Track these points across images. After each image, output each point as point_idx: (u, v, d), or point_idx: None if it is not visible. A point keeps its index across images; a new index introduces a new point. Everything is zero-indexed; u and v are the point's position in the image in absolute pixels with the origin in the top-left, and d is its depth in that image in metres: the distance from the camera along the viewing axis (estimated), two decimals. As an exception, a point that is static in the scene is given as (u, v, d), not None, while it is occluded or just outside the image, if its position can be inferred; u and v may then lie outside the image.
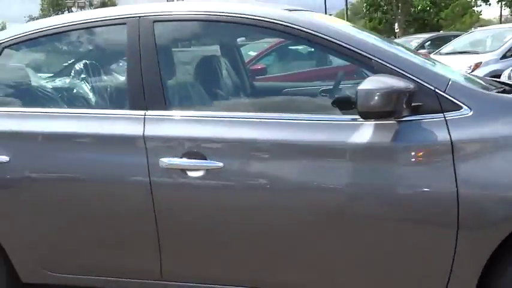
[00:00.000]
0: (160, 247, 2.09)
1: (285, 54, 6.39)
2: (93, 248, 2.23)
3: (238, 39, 3.34)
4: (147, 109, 2.10)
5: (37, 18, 32.24)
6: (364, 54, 1.89)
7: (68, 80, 2.54)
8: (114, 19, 2.27)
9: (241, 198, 1.97)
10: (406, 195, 1.79)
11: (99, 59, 2.55)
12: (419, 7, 33.30)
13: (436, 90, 1.81)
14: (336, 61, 2.40)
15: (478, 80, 2.30)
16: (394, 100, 1.69)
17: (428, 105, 1.80)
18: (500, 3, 33.90)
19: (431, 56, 8.65)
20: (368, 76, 1.88)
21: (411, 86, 1.75)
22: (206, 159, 1.97)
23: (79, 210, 2.17)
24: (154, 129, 2.06)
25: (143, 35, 2.14)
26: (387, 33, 30.78)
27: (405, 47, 2.47)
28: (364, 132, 1.83)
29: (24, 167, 2.20)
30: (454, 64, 6.00)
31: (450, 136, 1.74)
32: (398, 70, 1.84)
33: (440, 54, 10.17)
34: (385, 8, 32.87)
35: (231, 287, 2.09)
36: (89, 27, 2.36)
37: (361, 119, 1.81)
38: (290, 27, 2.00)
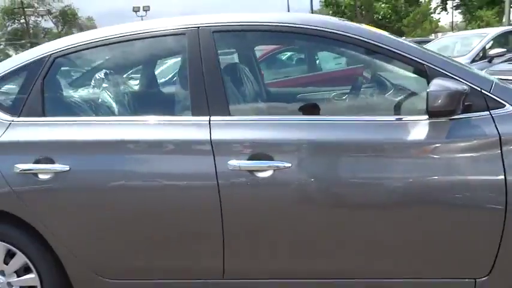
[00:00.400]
0: (224, 246, 2.19)
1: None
2: (152, 251, 2.27)
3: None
4: (210, 115, 2.21)
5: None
6: (421, 61, 2.14)
7: (127, 89, 2.60)
8: (174, 29, 2.35)
9: (309, 196, 2.12)
10: (463, 182, 2.04)
11: (157, 68, 2.66)
12: (381, 13, 34.47)
13: (483, 90, 2.09)
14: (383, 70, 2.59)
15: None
16: (457, 100, 1.96)
17: (476, 104, 2.07)
18: (452, 10, 35.60)
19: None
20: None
21: (466, 87, 2.01)
22: (273, 160, 2.11)
23: (142, 215, 2.22)
24: (220, 134, 2.16)
25: (204, 44, 2.26)
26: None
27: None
28: (418, 130, 2.06)
29: (86, 176, 2.22)
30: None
31: (498, 130, 2.02)
32: (450, 75, 2.10)
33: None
34: (349, 14, 33.84)
35: (291, 280, 2.24)
36: (147, 37, 2.40)
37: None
38: (357, 39, 2.20)
